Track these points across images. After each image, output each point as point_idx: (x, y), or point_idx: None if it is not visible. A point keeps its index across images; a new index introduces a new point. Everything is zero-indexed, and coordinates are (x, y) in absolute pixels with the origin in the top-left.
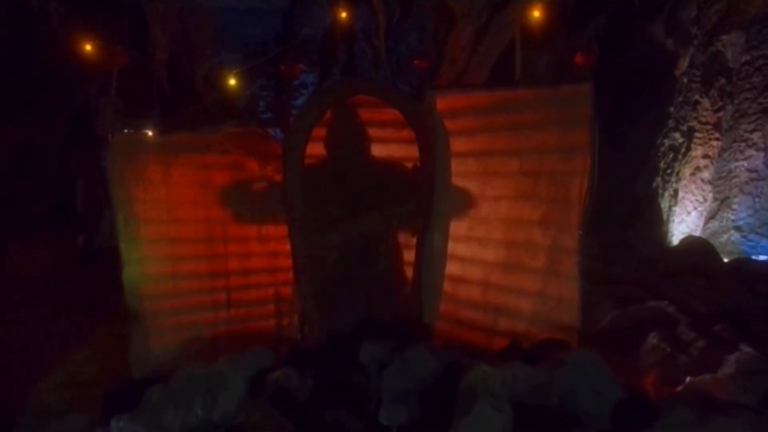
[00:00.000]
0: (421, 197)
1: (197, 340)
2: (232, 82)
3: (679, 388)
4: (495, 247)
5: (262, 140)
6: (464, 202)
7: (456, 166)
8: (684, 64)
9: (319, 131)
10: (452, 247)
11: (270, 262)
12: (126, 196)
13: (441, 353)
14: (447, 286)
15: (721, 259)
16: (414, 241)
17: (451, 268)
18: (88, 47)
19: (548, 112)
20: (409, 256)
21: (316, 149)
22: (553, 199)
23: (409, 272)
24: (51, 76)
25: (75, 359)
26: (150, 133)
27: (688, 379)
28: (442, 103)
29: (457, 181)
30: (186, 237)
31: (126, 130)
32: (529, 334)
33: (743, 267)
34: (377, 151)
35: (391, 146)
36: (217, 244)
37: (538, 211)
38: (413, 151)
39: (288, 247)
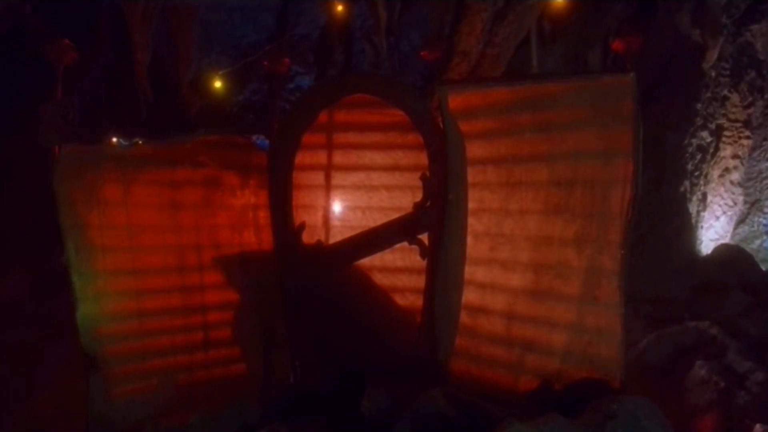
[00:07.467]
0: (431, 212)
1: (169, 389)
2: (219, 85)
3: None
4: (521, 270)
5: (243, 149)
6: (484, 218)
7: (473, 175)
8: (713, 56)
9: (311, 137)
10: (470, 271)
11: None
12: (77, 221)
13: (461, 400)
14: (464, 317)
15: (762, 271)
16: (425, 264)
17: (469, 295)
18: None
19: (583, 108)
20: (419, 282)
21: (307, 158)
22: (589, 213)
23: (419, 301)
24: (33, 83)
25: (24, 413)
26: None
27: (758, 427)
28: (456, 100)
29: (475, 194)
30: (153, 267)
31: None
32: (563, 374)
33: None
34: (379, 159)
35: (396, 153)
36: (191, 274)
37: (571, 227)
38: (422, 159)
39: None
